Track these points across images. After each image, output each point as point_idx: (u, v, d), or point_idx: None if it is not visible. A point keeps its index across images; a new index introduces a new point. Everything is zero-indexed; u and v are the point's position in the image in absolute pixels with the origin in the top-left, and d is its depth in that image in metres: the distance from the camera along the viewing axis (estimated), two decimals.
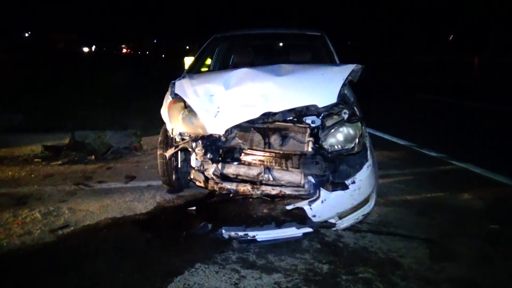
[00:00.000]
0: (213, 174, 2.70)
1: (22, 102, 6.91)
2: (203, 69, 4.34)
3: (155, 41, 68.15)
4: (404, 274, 2.16)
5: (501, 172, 3.83)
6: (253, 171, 2.65)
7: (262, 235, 2.47)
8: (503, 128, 6.37)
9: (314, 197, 2.47)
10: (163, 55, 44.03)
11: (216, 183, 2.67)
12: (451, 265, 2.27)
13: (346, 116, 2.55)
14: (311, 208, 2.43)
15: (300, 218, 2.52)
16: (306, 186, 2.57)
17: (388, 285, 2.06)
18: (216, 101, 2.70)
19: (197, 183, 2.82)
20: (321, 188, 2.45)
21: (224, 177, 2.70)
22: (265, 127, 2.75)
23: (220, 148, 2.79)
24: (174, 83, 2.98)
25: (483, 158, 4.32)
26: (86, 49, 52.76)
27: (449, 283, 2.09)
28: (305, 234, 2.51)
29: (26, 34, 48.83)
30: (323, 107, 2.58)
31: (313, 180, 2.54)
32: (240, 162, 2.71)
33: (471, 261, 2.32)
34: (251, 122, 2.65)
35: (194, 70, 3.82)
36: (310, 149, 2.63)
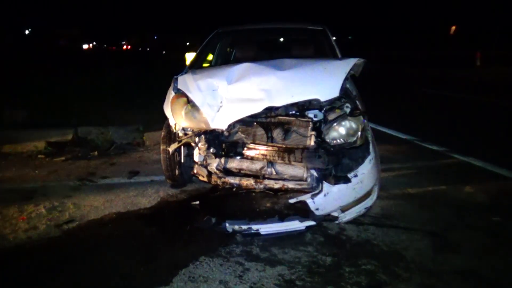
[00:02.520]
0: (216, 168, 2.71)
1: (25, 99, 6.93)
2: (205, 65, 4.35)
3: (155, 37, 67.94)
4: (407, 265, 2.18)
5: (503, 165, 3.83)
6: (256, 165, 2.66)
7: (266, 228, 2.49)
8: (505, 122, 6.36)
9: (317, 191, 2.48)
10: (164, 51, 43.87)
11: (219, 178, 2.69)
12: (453, 257, 2.28)
13: (348, 110, 2.56)
14: (314, 202, 2.45)
15: (303, 211, 2.53)
16: (308, 179, 2.58)
17: (391, 277, 2.08)
18: (218, 96, 2.71)
19: (200, 178, 2.84)
20: (323, 182, 2.46)
21: (227, 172, 2.72)
22: (267, 121, 2.75)
23: (223, 143, 2.81)
24: (176, 78, 2.99)
25: (485, 151, 4.32)
26: (85, 46, 52.39)
27: (452, 274, 2.11)
28: (308, 227, 2.53)
29: (27, 32, 48.63)
30: (325, 101, 2.59)
31: (315, 174, 2.56)
32: (243, 157, 2.73)
33: (474, 253, 2.33)
34: (254, 116, 2.66)
35: (196, 66, 3.82)
36: (312, 143, 2.64)
